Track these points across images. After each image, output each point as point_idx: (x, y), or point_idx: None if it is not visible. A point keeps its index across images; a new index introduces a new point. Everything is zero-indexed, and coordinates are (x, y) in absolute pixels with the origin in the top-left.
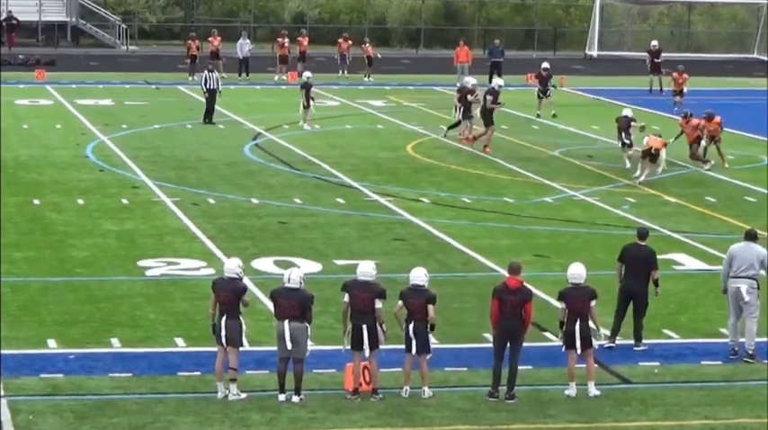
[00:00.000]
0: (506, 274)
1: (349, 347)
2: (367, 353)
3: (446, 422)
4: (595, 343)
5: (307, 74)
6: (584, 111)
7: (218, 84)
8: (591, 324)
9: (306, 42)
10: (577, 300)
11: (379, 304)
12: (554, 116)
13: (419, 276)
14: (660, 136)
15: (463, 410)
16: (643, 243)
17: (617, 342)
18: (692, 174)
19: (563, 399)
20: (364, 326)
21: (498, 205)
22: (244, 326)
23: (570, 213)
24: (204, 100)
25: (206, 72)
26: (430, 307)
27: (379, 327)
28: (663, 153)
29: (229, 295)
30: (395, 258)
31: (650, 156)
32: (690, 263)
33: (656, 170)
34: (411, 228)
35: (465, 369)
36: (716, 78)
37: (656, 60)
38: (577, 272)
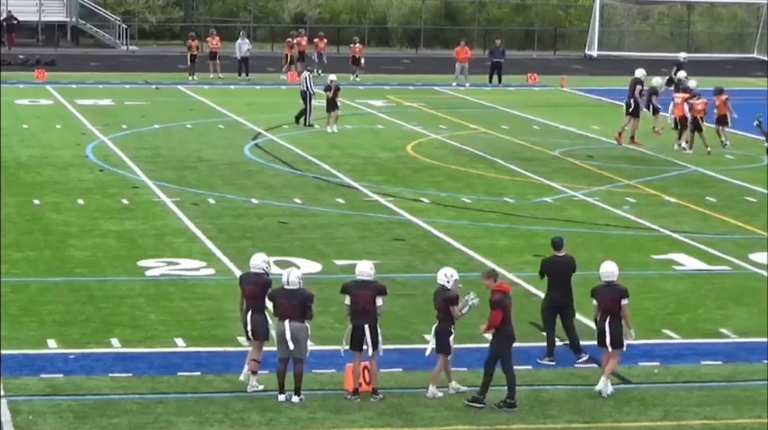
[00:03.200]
0: (506, 275)
1: (348, 348)
2: (370, 352)
3: (446, 422)
4: (626, 342)
5: (331, 76)
6: (584, 112)
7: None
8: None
9: (305, 42)
10: (609, 297)
11: (380, 301)
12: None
13: (441, 277)
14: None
15: (463, 410)
16: (561, 253)
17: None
18: (692, 174)
19: (563, 399)
20: (366, 326)
21: (498, 205)
22: (270, 321)
23: (570, 213)
24: (307, 102)
25: (307, 73)
26: (451, 307)
27: (378, 328)
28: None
29: (255, 289)
30: (395, 258)
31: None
32: (690, 263)
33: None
34: (411, 228)
35: (465, 369)
36: (716, 78)
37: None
38: (609, 269)
